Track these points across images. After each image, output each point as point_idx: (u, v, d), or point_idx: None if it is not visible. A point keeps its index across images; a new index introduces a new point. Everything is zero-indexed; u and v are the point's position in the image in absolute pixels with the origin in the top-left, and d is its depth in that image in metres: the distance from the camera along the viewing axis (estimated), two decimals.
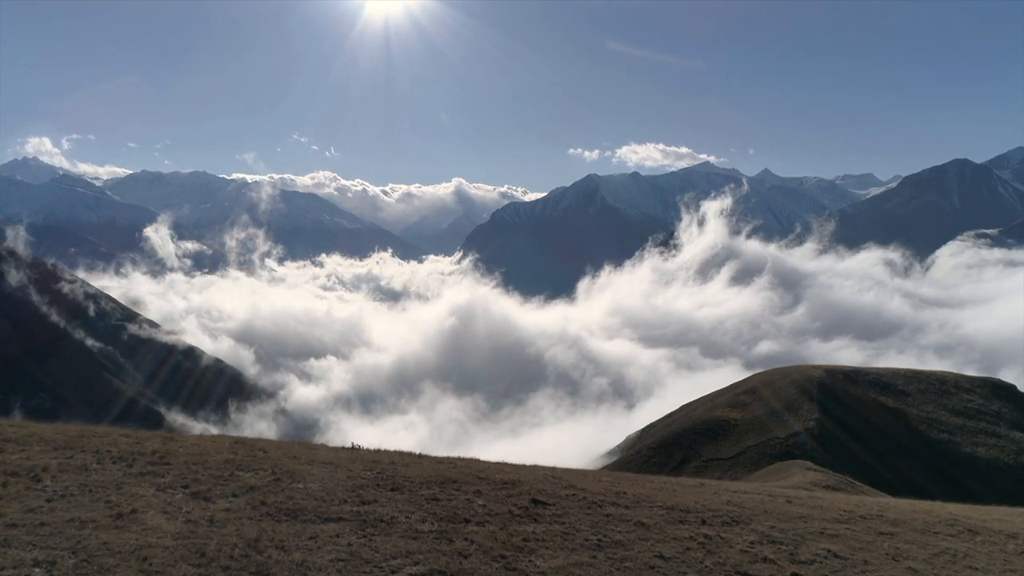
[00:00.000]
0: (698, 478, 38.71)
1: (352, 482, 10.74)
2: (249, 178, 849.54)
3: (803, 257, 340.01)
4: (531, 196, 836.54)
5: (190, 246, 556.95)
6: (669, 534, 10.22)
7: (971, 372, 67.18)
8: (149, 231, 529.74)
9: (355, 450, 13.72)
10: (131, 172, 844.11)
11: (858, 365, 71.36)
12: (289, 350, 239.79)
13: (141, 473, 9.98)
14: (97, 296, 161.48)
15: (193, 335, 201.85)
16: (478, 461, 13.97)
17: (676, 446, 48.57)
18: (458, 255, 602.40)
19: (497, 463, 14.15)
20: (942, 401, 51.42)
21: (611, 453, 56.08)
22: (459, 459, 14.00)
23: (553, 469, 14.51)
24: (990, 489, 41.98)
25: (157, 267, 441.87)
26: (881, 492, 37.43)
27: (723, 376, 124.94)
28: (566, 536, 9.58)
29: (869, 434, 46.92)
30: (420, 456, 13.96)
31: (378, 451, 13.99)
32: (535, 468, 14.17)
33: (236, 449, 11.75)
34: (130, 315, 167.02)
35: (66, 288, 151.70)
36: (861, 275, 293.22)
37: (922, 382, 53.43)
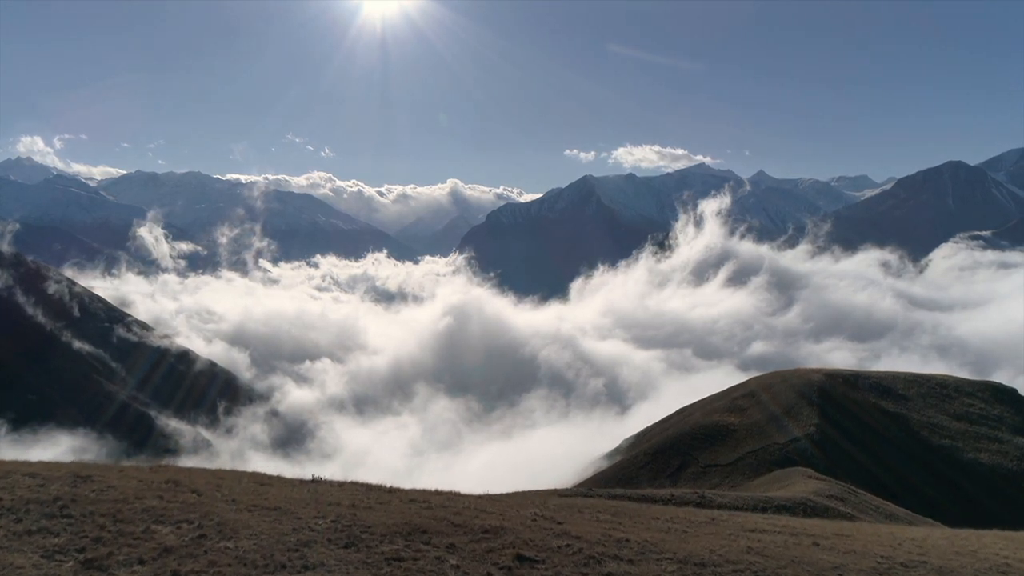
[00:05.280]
0: (697, 486, 37.05)
1: (297, 536, 8.77)
2: (244, 178, 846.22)
3: (797, 258, 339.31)
4: (527, 197, 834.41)
5: (184, 246, 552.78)
6: None
7: (965, 374, 66.08)
8: (143, 231, 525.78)
9: (315, 484, 11.85)
10: (125, 172, 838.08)
11: (855, 367, 70.12)
12: (284, 352, 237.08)
13: (29, 531, 7.99)
14: (86, 296, 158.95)
15: (186, 337, 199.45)
16: (457, 497, 11.99)
17: (673, 451, 47.44)
18: (454, 256, 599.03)
19: (478, 499, 12.20)
20: (943, 406, 50.56)
21: (608, 456, 54.77)
22: (434, 495, 11.99)
23: (544, 504, 12.61)
24: (993, 495, 40.78)
25: (151, 268, 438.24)
26: (884, 500, 36.08)
27: (717, 377, 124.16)
28: None
29: (870, 440, 46.16)
30: (390, 491, 12.00)
31: (341, 485, 12.04)
32: (522, 505, 12.21)
33: (164, 491, 9.79)
34: (121, 316, 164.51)
35: (52, 288, 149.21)
36: (855, 276, 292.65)
37: (923, 386, 52.66)
